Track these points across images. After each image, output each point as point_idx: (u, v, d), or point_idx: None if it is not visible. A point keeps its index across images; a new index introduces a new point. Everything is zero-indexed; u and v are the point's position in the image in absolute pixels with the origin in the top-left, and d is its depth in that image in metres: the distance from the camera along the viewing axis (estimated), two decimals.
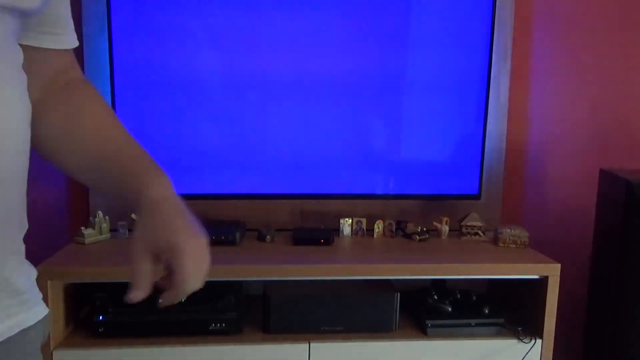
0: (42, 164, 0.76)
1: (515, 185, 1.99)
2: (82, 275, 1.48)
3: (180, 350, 1.50)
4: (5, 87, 0.61)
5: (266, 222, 1.84)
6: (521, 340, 1.60)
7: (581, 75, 1.96)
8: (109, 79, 1.69)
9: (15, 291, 0.66)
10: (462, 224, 1.83)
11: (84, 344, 1.49)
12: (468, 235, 1.82)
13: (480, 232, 1.82)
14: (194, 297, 1.64)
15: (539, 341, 1.60)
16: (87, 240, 1.65)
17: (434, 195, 1.88)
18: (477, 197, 1.87)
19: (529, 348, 1.59)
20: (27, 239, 0.69)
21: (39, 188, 1.80)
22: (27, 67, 0.67)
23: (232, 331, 1.55)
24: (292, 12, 1.71)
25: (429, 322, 1.61)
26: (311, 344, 1.54)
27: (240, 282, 1.67)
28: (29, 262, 0.70)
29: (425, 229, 1.81)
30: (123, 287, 0.66)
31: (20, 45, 0.67)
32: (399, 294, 1.60)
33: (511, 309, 1.72)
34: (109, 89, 1.69)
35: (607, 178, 1.75)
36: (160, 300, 0.67)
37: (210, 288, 1.59)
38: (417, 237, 1.78)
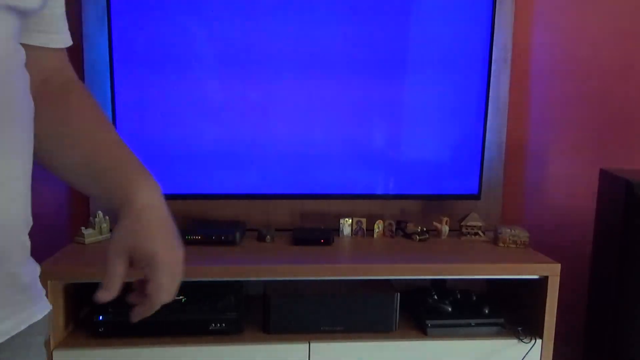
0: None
1: (515, 185, 1.99)
2: (82, 275, 1.48)
3: (180, 350, 1.50)
4: (11, 85, 0.62)
5: (266, 222, 1.84)
6: (521, 340, 1.60)
7: (581, 74, 1.96)
8: (109, 79, 1.69)
9: (23, 287, 0.67)
10: (462, 224, 1.83)
11: (84, 344, 1.49)
12: (468, 235, 1.82)
13: (480, 232, 1.82)
14: (194, 297, 1.65)
15: (539, 341, 1.60)
16: (87, 240, 1.66)
17: (434, 195, 1.88)
18: (477, 197, 1.87)
19: (529, 348, 1.59)
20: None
21: (39, 188, 1.79)
22: None
23: (232, 331, 1.55)
24: (292, 15, 1.71)
25: (429, 322, 1.61)
26: (311, 344, 1.54)
27: (240, 282, 1.67)
28: (32, 259, 0.71)
29: (425, 229, 1.81)
30: (123, 288, 0.66)
31: None
32: (399, 294, 1.60)
33: (511, 309, 1.72)
34: (108, 89, 1.69)
35: (607, 178, 1.75)
36: (131, 315, 0.67)
37: (210, 288, 1.60)
38: (417, 237, 1.78)
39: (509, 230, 1.76)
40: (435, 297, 1.69)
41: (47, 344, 0.74)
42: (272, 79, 1.74)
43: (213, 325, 1.54)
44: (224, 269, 1.50)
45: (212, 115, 1.75)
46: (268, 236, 1.73)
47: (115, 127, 1.66)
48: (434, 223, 1.84)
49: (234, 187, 1.79)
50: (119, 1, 1.67)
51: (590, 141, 1.99)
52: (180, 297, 1.57)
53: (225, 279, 1.54)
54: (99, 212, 1.70)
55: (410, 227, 1.82)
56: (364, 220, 1.83)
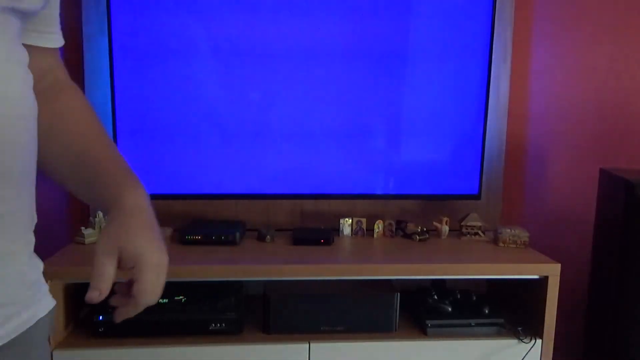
0: None
1: (515, 185, 1.99)
2: (82, 275, 1.48)
3: (180, 350, 1.50)
4: (15, 85, 0.63)
5: (266, 222, 1.85)
6: (521, 340, 1.60)
7: (581, 75, 1.96)
8: (109, 79, 1.69)
9: (29, 283, 0.68)
10: (462, 224, 1.83)
11: (84, 344, 1.49)
12: (468, 235, 1.82)
13: (480, 232, 1.82)
14: (194, 297, 1.64)
15: (539, 341, 1.60)
16: (87, 240, 1.66)
17: (434, 195, 1.88)
18: (477, 197, 1.87)
19: (529, 348, 1.59)
20: None
21: (39, 188, 1.79)
22: None
23: (232, 331, 1.55)
24: (292, 14, 1.71)
25: (429, 322, 1.61)
26: (311, 344, 1.54)
27: (240, 282, 1.67)
28: (36, 255, 0.71)
29: (425, 229, 1.81)
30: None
31: None
32: (399, 294, 1.60)
33: (511, 309, 1.72)
34: (108, 89, 1.69)
35: (607, 178, 1.75)
36: (114, 315, 0.67)
37: (210, 288, 1.60)
38: (417, 237, 1.78)
39: (509, 230, 1.76)
40: (435, 297, 1.69)
41: (49, 340, 0.74)
42: (272, 79, 1.74)
43: (213, 325, 1.54)
44: (224, 269, 1.50)
45: (212, 115, 1.75)
46: (268, 236, 1.73)
47: (116, 127, 1.69)
48: (434, 223, 1.84)
49: (234, 187, 1.79)
50: (119, 1, 1.67)
51: (590, 141, 1.99)
52: (181, 297, 1.57)
53: (225, 279, 1.54)
54: (99, 212, 1.70)
55: (410, 227, 1.82)
56: (364, 220, 1.83)
